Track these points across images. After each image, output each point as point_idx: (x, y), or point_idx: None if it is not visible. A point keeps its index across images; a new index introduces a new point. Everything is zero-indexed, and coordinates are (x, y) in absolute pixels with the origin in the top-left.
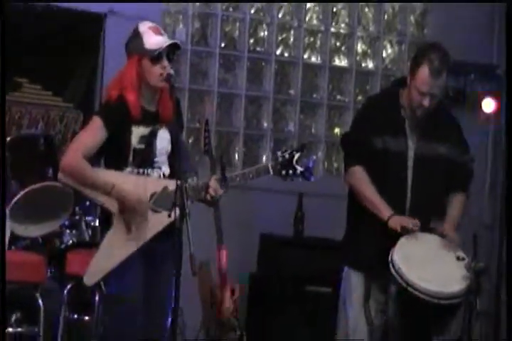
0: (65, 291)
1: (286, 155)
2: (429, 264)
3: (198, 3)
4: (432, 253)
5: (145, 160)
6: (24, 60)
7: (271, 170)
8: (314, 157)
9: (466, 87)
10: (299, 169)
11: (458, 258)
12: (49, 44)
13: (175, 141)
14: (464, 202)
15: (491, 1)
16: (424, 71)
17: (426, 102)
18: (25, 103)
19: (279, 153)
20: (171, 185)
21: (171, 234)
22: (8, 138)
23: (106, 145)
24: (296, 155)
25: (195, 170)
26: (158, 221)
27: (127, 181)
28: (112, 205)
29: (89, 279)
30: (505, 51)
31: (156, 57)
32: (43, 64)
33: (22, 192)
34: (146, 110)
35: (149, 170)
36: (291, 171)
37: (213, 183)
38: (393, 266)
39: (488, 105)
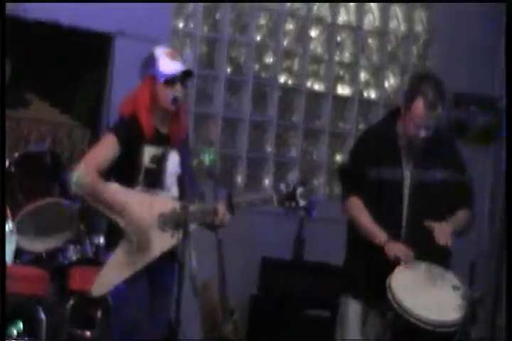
0: (68, 306)
1: (290, 189)
2: (426, 292)
3: (205, 27)
4: (428, 281)
5: (155, 180)
6: (34, 77)
7: (275, 202)
8: (315, 196)
9: (467, 118)
10: (302, 203)
11: (454, 288)
12: (58, 62)
13: (185, 164)
14: (468, 216)
15: (491, 1)
16: (418, 104)
17: (422, 134)
18: (34, 119)
19: (282, 186)
20: (179, 206)
21: (176, 254)
22: (16, 154)
23: (117, 162)
24: (299, 190)
25: (201, 193)
26: (165, 240)
27: (136, 200)
28: (122, 222)
29: (97, 290)
30: (505, 51)
31: (169, 81)
32: (52, 81)
33: (28, 207)
34: (159, 131)
35: (159, 191)
36: (294, 204)
37: (222, 208)
38: (390, 292)
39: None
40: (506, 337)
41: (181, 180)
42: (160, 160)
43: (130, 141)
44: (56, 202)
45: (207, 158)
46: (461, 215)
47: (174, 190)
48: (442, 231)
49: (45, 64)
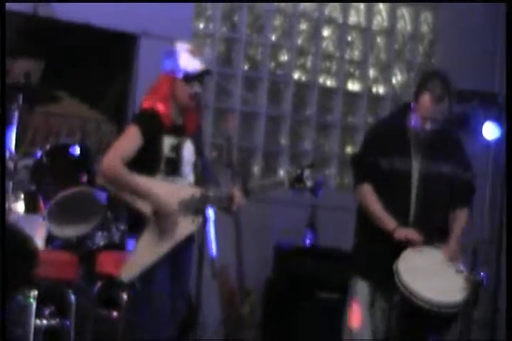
0: (95, 288)
1: (298, 171)
2: (431, 276)
3: (224, 28)
4: (433, 265)
5: (174, 168)
6: (65, 75)
7: (286, 184)
8: (322, 178)
9: (469, 112)
10: (308, 184)
11: (457, 271)
12: (87, 61)
13: (199, 153)
14: (467, 216)
15: (491, 1)
16: (426, 98)
17: (428, 126)
18: (65, 114)
19: (291, 169)
20: (197, 192)
21: (195, 238)
22: (48, 146)
23: (140, 152)
24: (306, 172)
25: (216, 180)
26: (186, 225)
27: (160, 188)
28: (146, 209)
29: (126, 275)
30: (506, 52)
31: (188, 78)
32: (81, 79)
33: (59, 196)
34: (175, 122)
35: (177, 178)
36: (302, 185)
37: (237, 193)
38: (397, 276)
39: (489, 130)
40: (507, 319)
41: (196, 168)
42: (177, 149)
43: (151, 131)
44: (85, 191)
45: None
46: (462, 219)
47: (191, 178)
48: (452, 254)
49: (74, 63)
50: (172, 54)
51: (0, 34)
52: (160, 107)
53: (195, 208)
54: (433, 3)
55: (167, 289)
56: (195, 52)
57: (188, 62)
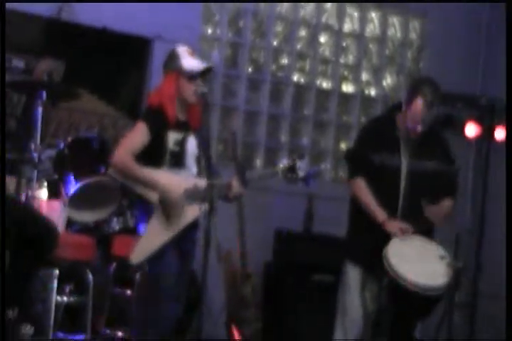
0: (111, 269)
1: (291, 163)
2: (417, 261)
3: (230, 33)
4: (419, 252)
5: (178, 161)
6: (84, 75)
7: (280, 174)
8: (314, 169)
9: (453, 113)
10: (300, 174)
11: (441, 258)
12: (105, 62)
13: (204, 146)
14: (451, 204)
15: (491, 1)
16: (418, 103)
17: (419, 128)
18: (84, 110)
19: (284, 161)
20: (200, 182)
21: (200, 224)
22: (69, 139)
23: (147, 146)
24: (298, 163)
25: (218, 171)
26: (190, 213)
27: (166, 178)
28: (153, 197)
29: (136, 259)
30: (506, 52)
31: (192, 76)
32: (100, 78)
33: (79, 185)
34: (179, 119)
35: (182, 170)
36: (294, 175)
37: (235, 183)
38: (386, 261)
39: (471, 130)
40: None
41: (199, 161)
42: (181, 143)
43: (157, 127)
44: (102, 180)
45: None
46: (446, 203)
47: (194, 169)
48: (437, 214)
49: (93, 63)
50: (174, 56)
51: (0, 34)
52: (165, 105)
53: (198, 197)
54: (420, 12)
55: (174, 270)
56: (194, 54)
57: (189, 62)
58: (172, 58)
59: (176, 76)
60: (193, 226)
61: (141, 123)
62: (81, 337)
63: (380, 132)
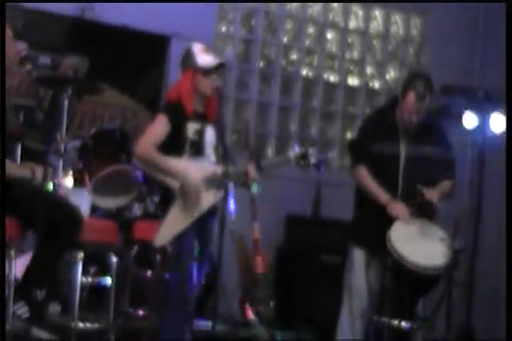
0: (133, 252)
1: (303, 150)
2: (418, 242)
3: (243, 31)
4: (420, 234)
5: (197, 149)
6: (107, 70)
7: (292, 161)
8: (324, 156)
9: (452, 104)
10: (312, 161)
11: (441, 239)
12: (126, 58)
13: (220, 136)
14: (450, 185)
15: (491, 1)
16: (411, 96)
17: (413, 119)
18: (107, 104)
19: (297, 148)
20: (218, 170)
21: (216, 209)
22: (93, 130)
23: (168, 137)
24: (310, 151)
25: (234, 159)
26: (208, 198)
27: (186, 166)
28: (174, 184)
29: (159, 242)
30: (506, 51)
31: (207, 72)
32: (121, 74)
33: (102, 173)
34: (197, 111)
35: (201, 158)
36: (306, 162)
37: (251, 169)
38: (389, 243)
39: (468, 119)
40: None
41: (217, 149)
42: (200, 134)
43: (177, 119)
44: (124, 168)
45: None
46: (445, 184)
47: (212, 157)
48: (432, 194)
49: (115, 59)
50: (190, 54)
51: (0, 34)
52: (184, 99)
53: (217, 183)
54: (421, 10)
55: (193, 252)
56: (208, 50)
57: (204, 59)
58: (188, 56)
59: (192, 72)
60: (211, 211)
61: (162, 116)
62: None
63: (380, 123)
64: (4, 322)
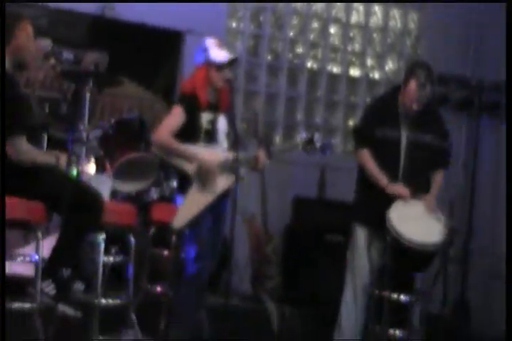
0: (150, 232)
1: (309, 136)
2: (416, 221)
3: (252, 26)
4: (418, 213)
5: (211, 137)
6: (125, 64)
7: (300, 146)
8: (328, 140)
9: (447, 92)
10: (318, 145)
11: (437, 219)
12: (143, 52)
13: (231, 125)
14: (442, 177)
15: (491, 1)
16: (412, 84)
17: (414, 106)
18: (126, 95)
19: (303, 134)
20: (230, 156)
21: (229, 192)
22: (113, 120)
23: (184, 126)
24: (316, 135)
25: (245, 146)
26: (222, 182)
27: (202, 152)
28: (191, 169)
29: (177, 224)
30: (506, 51)
31: (220, 66)
32: (139, 67)
33: (122, 159)
34: (210, 102)
35: (214, 145)
36: (312, 146)
37: (262, 155)
38: (389, 222)
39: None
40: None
41: (229, 137)
42: (213, 123)
43: (191, 110)
44: (142, 155)
45: None
46: (439, 178)
47: (225, 144)
48: (429, 205)
49: (133, 54)
50: (204, 48)
51: (0, 34)
52: (198, 91)
53: (229, 168)
54: (418, 5)
55: (209, 233)
56: (221, 44)
57: (217, 53)
58: (201, 51)
59: (206, 66)
60: (226, 194)
61: (178, 107)
62: None
63: (382, 109)
64: (4, 322)
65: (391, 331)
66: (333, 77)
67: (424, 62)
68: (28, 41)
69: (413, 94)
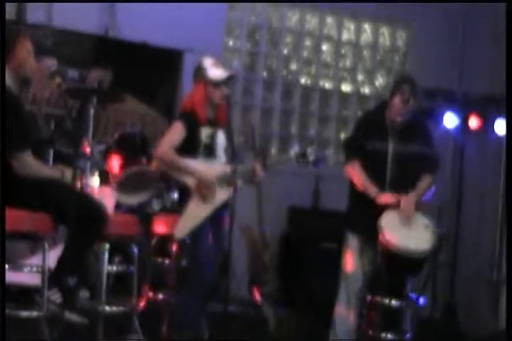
0: (152, 243)
1: (303, 150)
2: (406, 229)
3: (248, 44)
4: (407, 222)
5: (210, 152)
6: (128, 81)
7: (294, 159)
8: (321, 154)
9: (434, 106)
10: (310, 158)
11: (426, 226)
12: (145, 70)
13: (229, 139)
14: (430, 181)
15: (491, 1)
16: (397, 99)
17: (398, 119)
18: (128, 111)
19: (297, 148)
20: (228, 169)
21: (227, 203)
22: (116, 135)
23: (184, 141)
24: (309, 149)
25: (242, 159)
26: (221, 194)
27: (201, 166)
28: (191, 183)
29: (179, 233)
30: (506, 51)
31: (217, 84)
32: (141, 85)
33: (125, 173)
34: (209, 117)
35: (213, 159)
36: (305, 159)
37: (258, 168)
38: (380, 230)
39: (449, 120)
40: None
41: (227, 151)
42: (212, 138)
43: (191, 125)
44: (144, 169)
45: None
46: (425, 182)
47: (223, 158)
48: (407, 203)
49: (135, 72)
50: (201, 68)
51: (0, 33)
52: (197, 108)
53: (228, 181)
54: (406, 23)
55: (209, 243)
56: (218, 63)
57: (214, 72)
58: (200, 69)
59: (204, 84)
60: (224, 205)
61: (178, 123)
62: None
63: (371, 123)
64: (4, 322)
65: (383, 334)
66: (325, 92)
67: (410, 78)
68: (29, 56)
69: (398, 109)
